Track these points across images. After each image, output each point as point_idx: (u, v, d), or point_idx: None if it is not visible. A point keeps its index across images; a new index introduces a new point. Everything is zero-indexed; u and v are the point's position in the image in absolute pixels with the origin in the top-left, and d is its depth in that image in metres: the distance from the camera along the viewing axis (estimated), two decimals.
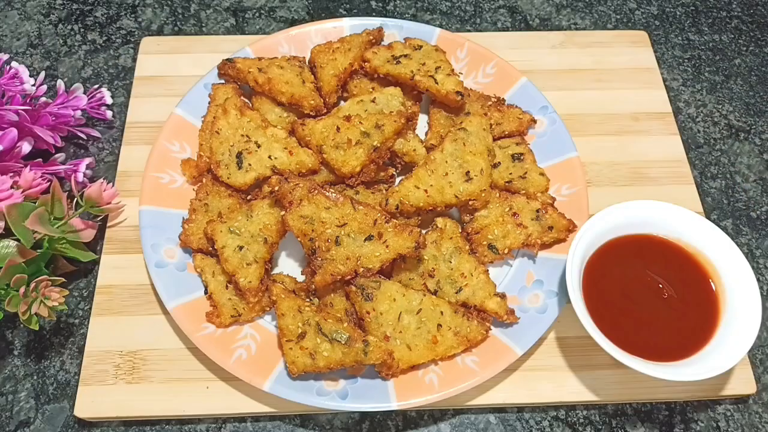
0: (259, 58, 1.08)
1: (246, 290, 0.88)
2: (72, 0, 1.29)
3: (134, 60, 1.20)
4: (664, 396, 0.90)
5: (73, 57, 1.22)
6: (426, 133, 1.07)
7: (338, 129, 0.98)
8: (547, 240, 0.94)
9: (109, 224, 1.01)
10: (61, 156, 1.06)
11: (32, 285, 0.83)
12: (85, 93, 1.10)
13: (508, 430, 0.89)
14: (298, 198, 0.88)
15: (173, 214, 0.97)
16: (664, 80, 1.21)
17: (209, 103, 1.06)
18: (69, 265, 0.97)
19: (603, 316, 0.86)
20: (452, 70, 1.05)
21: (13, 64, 1.04)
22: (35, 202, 0.91)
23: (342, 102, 1.08)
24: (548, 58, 1.20)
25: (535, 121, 1.06)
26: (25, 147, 0.99)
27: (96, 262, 0.99)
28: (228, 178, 0.97)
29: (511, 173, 1.00)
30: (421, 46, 1.09)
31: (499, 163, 1.01)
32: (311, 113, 1.04)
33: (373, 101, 1.03)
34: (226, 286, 0.91)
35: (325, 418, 0.89)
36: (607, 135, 1.12)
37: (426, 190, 0.94)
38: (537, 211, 0.95)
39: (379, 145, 0.97)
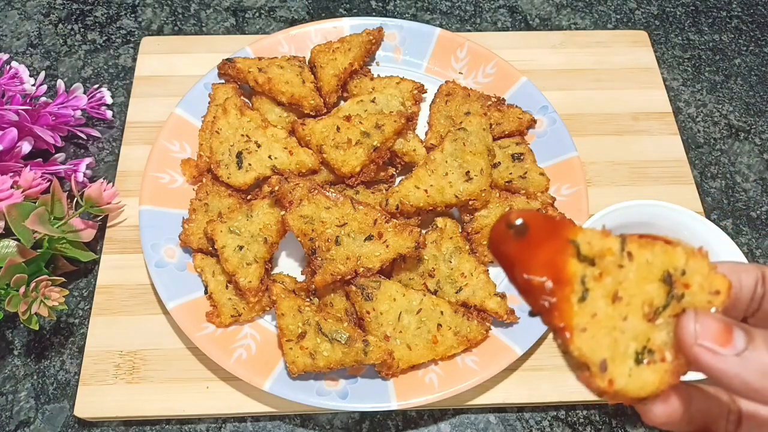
0: (259, 58, 1.08)
1: (246, 290, 0.88)
2: (72, 0, 1.29)
3: (134, 60, 1.20)
4: None
5: (73, 57, 1.22)
6: (426, 133, 1.07)
7: (338, 129, 0.98)
8: None
9: (109, 224, 1.01)
10: (61, 156, 1.06)
11: (32, 285, 0.83)
12: (85, 93, 1.10)
13: (508, 429, 0.89)
14: (298, 198, 0.88)
15: (173, 214, 0.97)
16: (664, 80, 1.21)
17: (209, 103, 1.06)
18: (69, 265, 0.97)
19: None
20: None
21: (13, 64, 1.04)
22: (35, 202, 0.91)
23: (342, 102, 1.08)
24: (548, 58, 1.20)
25: (535, 121, 1.06)
26: (25, 147, 0.99)
27: (96, 262, 0.99)
28: (228, 178, 0.97)
29: (511, 173, 1.00)
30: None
31: (499, 163, 1.01)
32: (311, 113, 1.04)
33: (373, 101, 1.04)
34: (226, 286, 0.91)
35: (325, 418, 0.89)
36: (607, 135, 1.13)
37: (426, 190, 0.94)
38: (537, 210, 0.95)
39: (379, 145, 0.97)
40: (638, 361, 0.43)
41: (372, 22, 1.15)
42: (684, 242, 0.47)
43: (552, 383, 0.90)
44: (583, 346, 0.42)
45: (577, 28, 1.29)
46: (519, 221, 0.43)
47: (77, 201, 0.95)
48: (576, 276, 0.43)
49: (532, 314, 0.44)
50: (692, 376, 0.44)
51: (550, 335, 0.94)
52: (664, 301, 0.44)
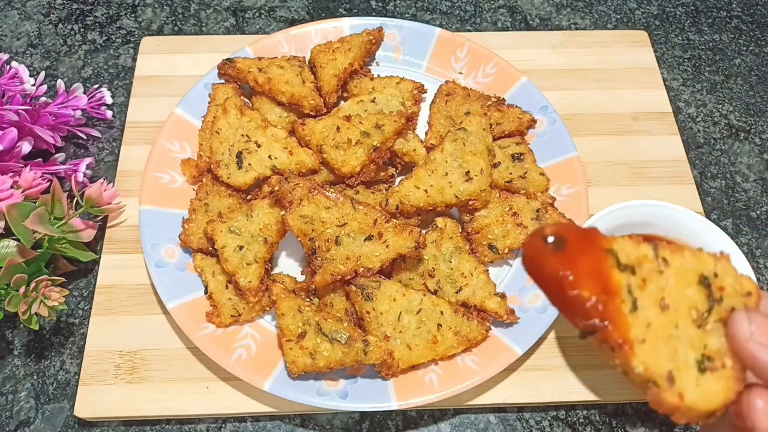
0: (259, 58, 1.08)
1: (246, 290, 0.88)
2: (72, 0, 1.29)
3: (134, 60, 1.20)
4: None
5: (73, 57, 1.22)
6: (426, 133, 1.07)
7: (338, 129, 0.98)
8: None
9: (109, 224, 1.01)
10: (61, 156, 1.06)
11: (32, 285, 0.83)
12: (85, 93, 1.10)
13: (508, 429, 0.89)
14: (298, 198, 0.88)
15: (173, 214, 0.97)
16: (664, 80, 1.21)
17: (209, 103, 1.06)
18: (69, 265, 0.97)
19: None
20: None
21: (13, 64, 1.04)
22: (35, 202, 0.91)
23: (342, 102, 1.08)
24: (548, 58, 1.20)
25: (535, 121, 1.06)
26: (25, 147, 0.99)
27: (96, 262, 0.99)
28: (228, 178, 0.97)
29: (511, 173, 1.00)
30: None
31: (499, 163, 1.01)
32: (311, 113, 1.04)
33: (373, 101, 1.04)
34: (226, 286, 0.91)
35: (325, 418, 0.89)
36: (607, 135, 1.13)
37: (426, 190, 0.94)
38: (537, 210, 0.95)
39: (379, 145, 0.97)
40: (701, 370, 0.41)
41: (372, 22, 1.15)
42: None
43: (552, 383, 0.90)
44: (646, 358, 0.40)
45: (577, 28, 1.29)
46: (554, 235, 0.40)
47: (77, 201, 0.95)
48: (622, 285, 0.41)
49: (583, 336, 0.40)
50: None
51: (550, 335, 0.94)
52: (706, 304, 0.43)
